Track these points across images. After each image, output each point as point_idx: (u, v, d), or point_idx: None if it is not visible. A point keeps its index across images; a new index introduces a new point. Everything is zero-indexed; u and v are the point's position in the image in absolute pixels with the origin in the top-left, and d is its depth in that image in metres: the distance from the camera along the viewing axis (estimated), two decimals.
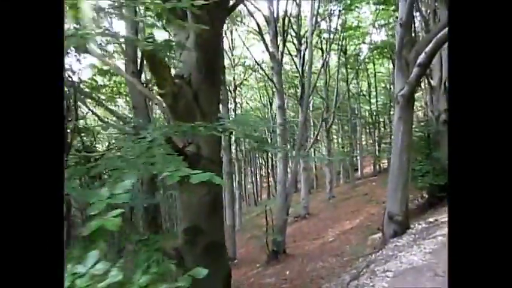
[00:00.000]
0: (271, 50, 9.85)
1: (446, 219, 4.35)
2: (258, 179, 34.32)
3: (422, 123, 9.24)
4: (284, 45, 10.57)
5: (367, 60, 22.12)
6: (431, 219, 6.81)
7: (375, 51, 19.55)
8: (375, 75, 24.75)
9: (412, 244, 5.23)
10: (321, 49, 18.20)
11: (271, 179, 29.77)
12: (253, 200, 31.87)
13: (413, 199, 8.83)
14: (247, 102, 27.80)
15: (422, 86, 14.57)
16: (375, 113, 26.18)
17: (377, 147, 24.70)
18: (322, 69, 17.38)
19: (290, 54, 15.40)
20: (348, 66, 20.59)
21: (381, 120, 28.66)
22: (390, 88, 24.05)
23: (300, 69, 15.11)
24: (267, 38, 10.19)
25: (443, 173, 7.86)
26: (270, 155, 29.08)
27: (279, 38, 10.22)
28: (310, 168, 19.50)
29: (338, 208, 15.61)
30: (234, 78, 19.28)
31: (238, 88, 20.85)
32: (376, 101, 25.39)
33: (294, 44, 15.67)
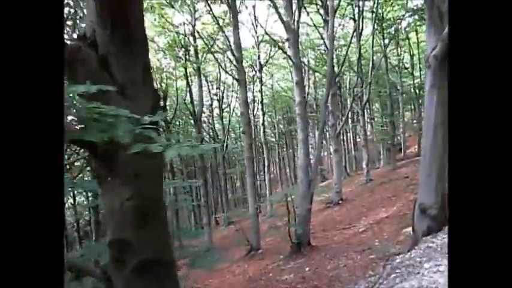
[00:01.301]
0: (284, 18, 8.67)
1: None
2: (287, 163, 33.19)
3: None
4: (300, 11, 9.30)
5: (407, 28, 19.90)
6: None
7: (416, 16, 17.31)
8: (418, 45, 22.31)
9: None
10: (353, 18, 16.46)
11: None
12: (280, 186, 31.00)
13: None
14: (277, 83, 26.54)
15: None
16: (418, 88, 23.82)
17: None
18: (355, 40, 15.70)
19: (315, 26, 14.00)
20: (385, 35, 18.57)
21: None
22: None
23: (327, 42, 13.71)
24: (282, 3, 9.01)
25: None
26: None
27: (294, 5, 8.99)
28: (341, 149, 18.00)
29: (375, 193, 14.24)
30: (258, 57, 18.16)
31: (265, 68, 19.69)
32: (420, 74, 22.94)
33: (320, 14, 14.23)
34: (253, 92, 21.21)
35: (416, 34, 21.15)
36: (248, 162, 11.24)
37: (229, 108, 25.04)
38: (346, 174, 24.34)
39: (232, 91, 23.23)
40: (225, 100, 24.44)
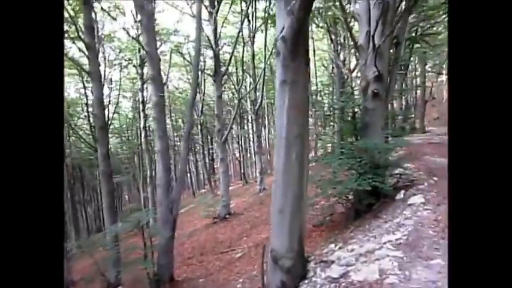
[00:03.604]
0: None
1: (378, 245, 3.74)
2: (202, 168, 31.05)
3: (342, 98, 6.55)
4: None
5: None
6: (352, 247, 4.28)
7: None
8: (314, 52, 22.34)
9: None
10: (246, 16, 15.19)
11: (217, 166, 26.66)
12: (192, 191, 28.79)
13: (332, 203, 6.30)
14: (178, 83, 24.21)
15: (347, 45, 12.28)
16: (317, 93, 23.95)
17: (320, 128, 22.49)
18: (248, 39, 14.42)
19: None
20: None
21: (325, 100, 26.61)
22: (332, 68, 21.83)
23: (212, 38, 12.10)
24: None
25: (373, 170, 5.36)
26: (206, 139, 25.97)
27: None
28: (227, 158, 16.51)
29: (264, 205, 13.08)
30: (139, 50, 15.68)
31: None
32: (316, 79, 23.05)
33: (205, 5, 12.54)
34: (142, 92, 18.58)
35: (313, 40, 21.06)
36: (103, 177, 8.86)
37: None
38: (245, 182, 23.26)
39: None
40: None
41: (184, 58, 13.95)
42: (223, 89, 21.66)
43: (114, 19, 11.12)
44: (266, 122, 27.00)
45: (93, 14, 8.89)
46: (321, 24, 16.05)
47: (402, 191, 5.55)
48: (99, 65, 9.37)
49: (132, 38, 8.94)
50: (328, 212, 6.64)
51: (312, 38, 21.26)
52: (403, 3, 6.38)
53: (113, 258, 9.07)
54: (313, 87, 23.50)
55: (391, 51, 6.24)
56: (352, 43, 8.68)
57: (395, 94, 18.55)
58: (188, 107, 7.74)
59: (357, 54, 9.10)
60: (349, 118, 6.08)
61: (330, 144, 9.01)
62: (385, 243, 3.85)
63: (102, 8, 11.01)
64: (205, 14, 12.91)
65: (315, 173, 6.06)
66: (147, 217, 6.73)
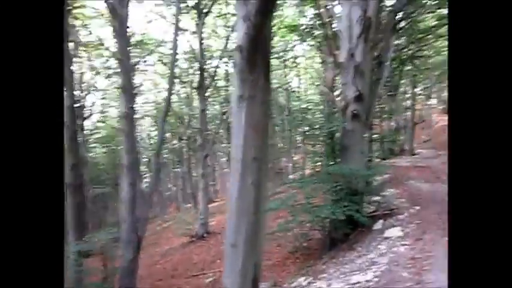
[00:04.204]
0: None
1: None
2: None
3: (322, 116, 6.11)
4: None
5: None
6: (320, 285, 3.83)
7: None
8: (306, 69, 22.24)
9: None
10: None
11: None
12: (177, 206, 28.02)
13: (307, 230, 5.84)
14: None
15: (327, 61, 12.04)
16: (307, 111, 23.71)
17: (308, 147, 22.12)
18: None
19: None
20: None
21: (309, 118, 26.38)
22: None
23: (198, 51, 11.78)
24: None
25: (349, 197, 4.93)
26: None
27: None
28: (207, 174, 15.83)
29: None
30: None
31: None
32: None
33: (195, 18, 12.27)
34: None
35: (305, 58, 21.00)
36: (69, 190, 8.26)
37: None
38: None
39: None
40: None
41: (170, 69, 13.58)
42: (213, 102, 21.38)
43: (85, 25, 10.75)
44: None
45: (69, 19, 8.51)
46: (311, 42, 15.94)
47: (381, 221, 5.13)
48: (73, 73, 8.92)
49: (101, 44, 8.51)
50: (302, 239, 6.18)
51: (303, 56, 21.24)
52: (385, 21, 6.11)
53: (72, 279, 8.42)
54: (304, 105, 23.31)
55: (375, 70, 5.92)
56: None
57: (385, 115, 18.37)
58: (159, 121, 7.30)
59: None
60: (328, 140, 5.69)
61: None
62: (354, 284, 3.39)
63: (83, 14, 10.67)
64: (193, 27, 12.64)
65: (287, 197, 5.61)
66: (108, 236, 6.18)
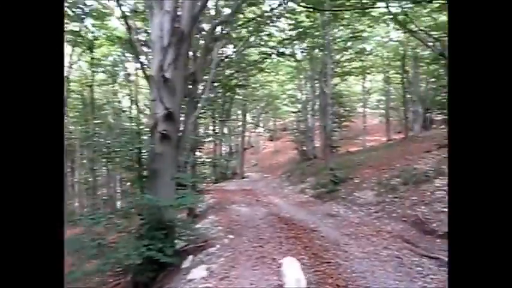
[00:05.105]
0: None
1: None
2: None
3: (125, 138, 5.20)
4: None
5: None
6: None
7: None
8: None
9: None
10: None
11: None
12: None
13: None
14: None
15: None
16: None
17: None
18: None
19: None
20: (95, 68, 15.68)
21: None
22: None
23: None
24: None
25: (153, 233, 4.11)
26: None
27: None
28: None
29: None
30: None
31: None
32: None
33: None
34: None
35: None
36: None
37: None
38: None
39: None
40: None
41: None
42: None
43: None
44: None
45: None
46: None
47: (190, 257, 4.51)
48: None
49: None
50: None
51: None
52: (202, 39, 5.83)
53: None
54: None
55: (190, 89, 5.49)
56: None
57: (216, 140, 18.72)
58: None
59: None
60: (134, 164, 4.80)
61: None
62: None
63: None
64: None
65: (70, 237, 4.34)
66: None
